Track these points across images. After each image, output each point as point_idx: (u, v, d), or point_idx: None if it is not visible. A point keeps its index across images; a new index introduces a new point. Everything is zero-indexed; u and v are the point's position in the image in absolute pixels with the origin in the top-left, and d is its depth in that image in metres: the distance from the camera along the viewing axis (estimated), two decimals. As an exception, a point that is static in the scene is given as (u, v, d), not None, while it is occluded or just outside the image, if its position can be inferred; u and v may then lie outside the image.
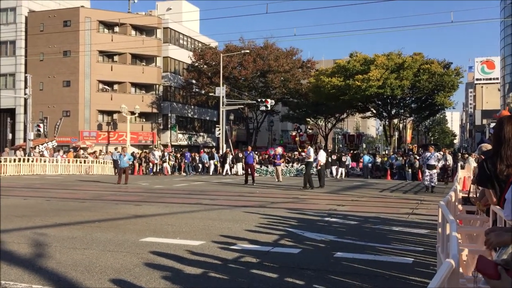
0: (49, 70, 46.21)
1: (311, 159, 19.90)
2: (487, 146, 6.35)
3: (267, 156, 33.76)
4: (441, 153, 24.52)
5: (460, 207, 6.44)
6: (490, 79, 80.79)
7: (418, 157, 28.56)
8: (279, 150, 30.44)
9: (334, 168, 30.13)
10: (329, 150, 42.11)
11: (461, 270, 3.37)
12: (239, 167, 30.97)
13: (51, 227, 8.95)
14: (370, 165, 31.47)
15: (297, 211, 11.63)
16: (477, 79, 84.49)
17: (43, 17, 47.22)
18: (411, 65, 40.56)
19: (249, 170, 21.92)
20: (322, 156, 20.55)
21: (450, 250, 2.80)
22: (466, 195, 6.50)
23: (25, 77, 41.33)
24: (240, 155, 30.62)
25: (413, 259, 6.49)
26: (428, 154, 18.87)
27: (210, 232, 8.44)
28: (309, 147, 21.16)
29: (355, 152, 40.88)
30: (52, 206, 12.53)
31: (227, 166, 31.97)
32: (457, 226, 3.64)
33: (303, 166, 32.45)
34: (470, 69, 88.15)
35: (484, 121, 67.37)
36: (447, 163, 24.44)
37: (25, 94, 38.75)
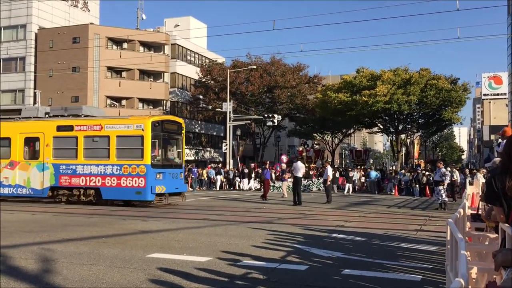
0: (58, 86, 46.65)
1: (327, 177, 20.07)
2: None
3: (273, 171, 33.70)
4: (448, 169, 24.36)
5: (468, 224, 6.39)
6: (498, 94, 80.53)
7: (426, 173, 28.40)
8: (283, 165, 30.40)
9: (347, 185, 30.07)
10: (336, 166, 42.02)
11: (470, 288, 3.33)
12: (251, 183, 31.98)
13: (58, 243, 8.96)
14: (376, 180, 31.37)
15: (304, 227, 11.58)
16: (484, 95, 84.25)
17: (52, 34, 47.84)
18: (418, 80, 40.53)
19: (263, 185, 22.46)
20: (330, 172, 20.49)
21: (459, 269, 2.78)
22: (475, 212, 6.46)
23: (34, 93, 41.73)
24: (259, 170, 31.08)
25: (421, 277, 6.42)
26: (437, 170, 18.81)
27: (216, 248, 8.41)
28: (328, 166, 21.19)
29: (362, 167, 40.76)
30: (59, 222, 12.56)
31: (250, 182, 32.59)
32: (465, 244, 3.61)
33: (310, 182, 32.51)
34: (478, 84, 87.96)
35: (492, 137, 67.01)
36: (453, 179, 24.25)
37: (34, 109, 39.05)
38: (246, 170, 33.64)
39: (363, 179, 33.08)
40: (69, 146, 17.79)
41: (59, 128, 18.00)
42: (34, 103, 40.40)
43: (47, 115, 19.39)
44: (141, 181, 16.50)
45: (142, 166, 16.54)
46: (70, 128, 17.84)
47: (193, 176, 32.26)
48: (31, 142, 18.59)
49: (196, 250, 8.29)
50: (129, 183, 16.68)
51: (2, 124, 18.87)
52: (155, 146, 16.97)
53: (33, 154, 18.51)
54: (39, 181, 18.04)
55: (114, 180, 16.92)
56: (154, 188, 16.45)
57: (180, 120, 19.07)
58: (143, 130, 16.67)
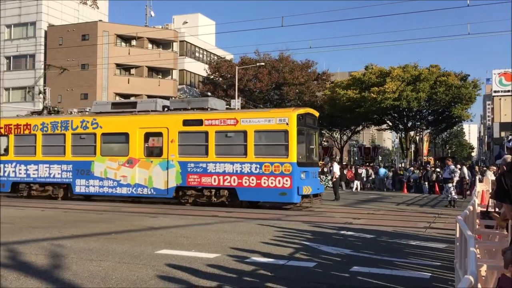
0: (68, 83, 46.90)
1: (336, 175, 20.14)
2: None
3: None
4: (458, 166, 24.17)
5: (478, 221, 6.35)
6: (508, 91, 79.75)
7: (437, 170, 28.23)
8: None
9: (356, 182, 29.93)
10: (344, 163, 41.89)
11: (480, 286, 3.32)
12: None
13: (68, 239, 9.03)
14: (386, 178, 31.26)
15: (313, 224, 11.57)
16: (494, 91, 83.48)
17: (62, 31, 48.09)
18: (428, 77, 40.25)
19: None
20: (336, 169, 20.45)
21: (468, 266, 2.77)
22: (485, 209, 6.41)
23: (44, 90, 42.03)
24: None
25: (430, 274, 6.40)
26: (446, 167, 18.71)
27: (225, 245, 8.43)
28: (335, 162, 21.21)
29: (371, 164, 40.62)
30: (69, 218, 12.65)
31: None
32: (475, 242, 3.59)
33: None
34: (488, 81, 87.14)
35: (503, 134, 66.42)
36: (462, 176, 24.08)
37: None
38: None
39: (373, 175, 32.98)
40: (198, 142, 16.24)
41: (186, 123, 16.31)
42: (44, 100, 40.70)
43: (166, 109, 17.71)
44: (286, 181, 14.76)
45: (287, 164, 14.79)
46: (199, 122, 16.14)
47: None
48: (152, 138, 16.91)
49: (205, 246, 8.32)
50: (272, 183, 14.94)
51: (117, 119, 17.56)
52: (300, 142, 15.29)
53: (155, 151, 16.82)
54: (162, 181, 16.40)
55: (253, 179, 15.20)
56: (301, 189, 14.78)
57: (316, 113, 17.32)
58: (287, 124, 14.94)
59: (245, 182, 15.34)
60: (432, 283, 5.95)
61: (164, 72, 51.70)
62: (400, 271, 6.62)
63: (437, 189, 26.17)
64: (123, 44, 49.65)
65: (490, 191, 9.31)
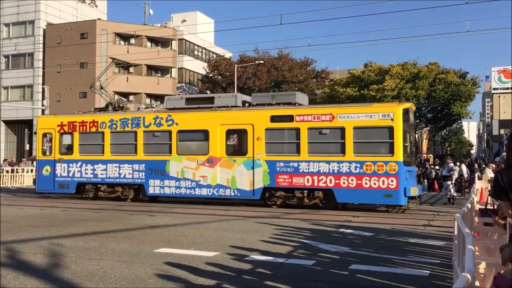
0: (66, 81, 46.87)
1: None
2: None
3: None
4: (457, 163, 24.20)
5: (477, 219, 6.35)
6: (508, 88, 79.75)
7: (436, 167, 28.23)
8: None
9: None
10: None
11: (478, 283, 3.32)
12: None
13: (67, 238, 9.03)
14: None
15: (312, 222, 11.57)
16: (494, 89, 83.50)
17: (60, 30, 48.03)
18: (427, 75, 40.27)
19: None
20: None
21: (465, 263, 2.77)
22: (484, 207, 6.42)
23: (43, 89, 41.99)
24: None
25: (429, 272, 6.40)
26: (445, 165, 18.74)
27: (224, 243, 8.43)
28: None
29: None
30: (68, 216, 12.65)
31: None
32: (473, 239, 3.59)
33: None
34: (487, 78, 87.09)
35: (502, 131, 66.43)
36: (460, 174, 24.09)
37: (42, 105, 39.34)
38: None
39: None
40: (287, 139, 15.22)
41: (275, 119, 15.12)
42: (43, 98, 40.65)
43: (247, 104, 16.68)
44: (392, 181, 13.64)
45: (392, 164, 13.68)
46: (289, 118, 14.97)
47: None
48: (235, 135, 15.74)
49: (204, 245, 8.32)
50: (374, 183, 13.80)
51: (196, 115, 16.30)
52: (404, 138, 14.11)
53: (239, 149, 15.67)
54: (247, 181, 15.21)
55: (352, 180, 14.07)
56: (408, 190, 13.75)
57: (414, 107, 15.99)
58: (392, 120, 13.80)
59: (344, 183, 14.19)
60: (430, 281, 5.96)
61: (163, 71, 51.66)
62: (399, 268, 6.62)
63: (436, 186, 26.19)
64: (121, 42, 49.61)
65: (489, 188, 9.32)
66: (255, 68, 46.31)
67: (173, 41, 51.57)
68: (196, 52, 54.78)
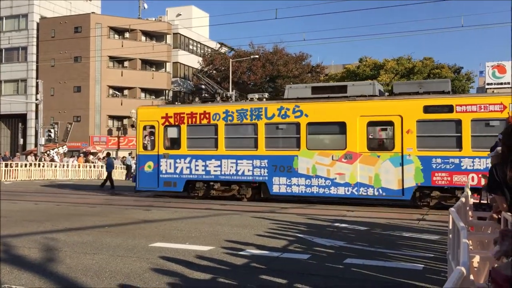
0: (60, 75, 46.62)
1: None
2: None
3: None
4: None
5: (471, 213, 6.39)
6: (502, 83, 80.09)
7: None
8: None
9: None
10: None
11: (472, 277, 3.34)
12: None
13: (62, 232, 9.00)
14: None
15: (307, 217, 11.60)
16: (488, 84, 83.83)
17: (54, 24, 47.72)
18: (421, 69, 40.41)
19: None
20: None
21: (460, 257, 2.78)
22: (478, 201, 6.46)
23: (37, 83, 41.77)
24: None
25: (423, 266, 6.44)
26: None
27: (219, 238, 8.44)
28: None
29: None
30: (62, 211, 12.62)
31: None
32: (467, 233, 3.61)
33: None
34: (481, 73, 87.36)
35: (495, 126, 66.56)
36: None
37: (36, 99, 39.15)
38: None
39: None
40: (445, 132, 13.46)
41: (429, 109, 13.41)
42: (37, 93, 40.44)
43: (387, 94, 15.02)
44: None
45: None
46: (447, 108, 13.25)
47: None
48: (379, 128, 14.42)
49: (199, 239, 8.32)
50: None
51: (329, 106, 14.62)
52: None
53: (384, 144, 14.28)
54: (395, 179, 13.60)
55: None
56: None
57: None
58: None
59: None
60: (425, 274, 5.99)
61: (157, 65, 51.48)
62: (393, 262, 6.66)
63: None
64: (116, 36, 49.37)
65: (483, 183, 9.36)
66: (250, 63, 46.25)
67: (167, 35, 51.38)
68: (191, 47, 54.63)
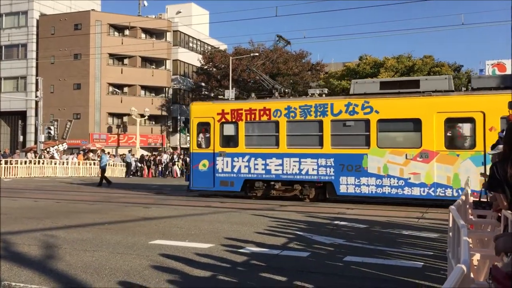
0: (60, 73, 46.57)
1: None
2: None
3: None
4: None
5: (470, 211, 6.39)
6: (501, 82, 79.94)
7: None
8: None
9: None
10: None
11: (472, 275, 3.34)
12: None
13: (61, 229, 9.00)
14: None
15: (306, 214, 11.61)
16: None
17: (54, 21, 47.65)
18: (421, 68, 40.37)
19: None
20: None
21: (461, 255, 2.78)
22: (477, 199, 6.45)
23: (36, 80, 41.73)
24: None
25: (423, 263, 6.44)
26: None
27: (219, 235, 8.45)
28: None
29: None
30: (62, 208, 12.62)
31: None
32: (468, 231, 3.61)
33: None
34: (481, 72, 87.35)
35: (495, 124, 66.53)
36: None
37: (36, 96, 39.12)
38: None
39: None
40: None
41: None
42: (36, 90, 40.41)
43: (464, 89, 14.54)
44: None
45: None
46: None
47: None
48: (458, 125, 13.59)
49: (198, 236, 8.32)
50: None
51: (403, 102, 13.83)
52: None
53: (463, 142, 13.47)
54: (477, 179, 12.43)
55: None
56: None
57: None
58: None
59: None
60: (424, 272, 6.00)
61: (157, 62, 51.43)
62: (393, 260, 6.66)
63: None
64: (116, 33, 49.31)
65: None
66: (250, 61, 46.21)
67: (167, 33, 51.33)
68: (191, 44, 54.58)
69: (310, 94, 15.65)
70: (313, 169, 14.55)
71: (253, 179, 15.31)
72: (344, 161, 14.15)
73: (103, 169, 22.52)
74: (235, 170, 15.38)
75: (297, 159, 14.69)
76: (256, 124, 15.41)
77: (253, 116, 15.32)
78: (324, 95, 15.55)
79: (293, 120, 14.86)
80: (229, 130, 15.72)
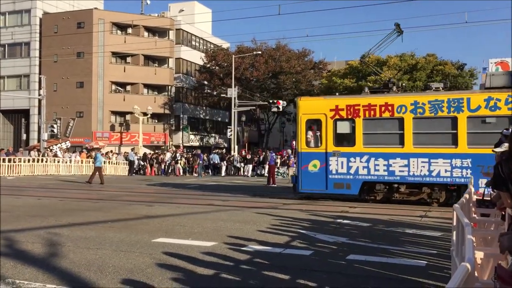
0: (63, 71, 46.63)
1: None
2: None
3: (279, 157, 33.80)
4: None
5: (474, 209, 6.38)
6: (505, 80, 79.69)
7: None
8: (289, 151, 30.44)
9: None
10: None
11: (476, 273, 3.33)
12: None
13: (65, 227, 9.02)
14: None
15: (309, 213, 11.60)
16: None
17: (57, 19, 47.69)
18: (424, 66, 40.25)
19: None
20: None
21: (465, 253, 2.78)
22: (481, 198, 6.44)
23: (39, 78, 41.79)
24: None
25: (426, 262, 6.43)
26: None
27: (221, 233, 8.45)
28: None
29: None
30: (65, 206, 12.64)
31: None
32: (472, 229, 3.60)
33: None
34: (484, 70, 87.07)
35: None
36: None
37: (39, 95, 39.18)
38: (248, 156, 33.79)
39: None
40: None
41: None
42: (39, 88, 40.48)
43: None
44: None
45: None
46: None
47: (200, 162, 32.37)
48: None
49: (202, 235, 8.33)
50: None
51: None
52: None
53: None
54: None
55: None
56: None
57: None
58: None
59: None
60: (427, 271, 5.99)
61: (160, 61, 51.43)
62: (396, 259, 6.65)
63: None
64: (118, 32, 49.33)
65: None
66: (253, 59, 46.18)
67: (170, 31, 51.32)
68: (193, 43, 54.56)
69: (434, 88, 14.40)
70: (445, 171, 13.20)
71: (372, 181, 14.01)
72: (484, 161, 12.34)
73: (97, 168, 22.53)
74: (352, 171, 14.06)
75: (426, 160, 13.37)
76: (376, 121, 14.04)
77: (372, 112, 13.95)
78: (440, 88, 14.35)
79: (421, 117, 13.47)
80: (344, 127, 14.47)
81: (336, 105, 14.39)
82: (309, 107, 14.94)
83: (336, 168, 14.22)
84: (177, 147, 44.54)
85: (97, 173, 22.09)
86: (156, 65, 51.34)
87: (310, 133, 14.74)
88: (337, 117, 14.34)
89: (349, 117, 14.19)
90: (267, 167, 29.03)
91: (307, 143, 14.75)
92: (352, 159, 14.07)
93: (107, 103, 47.04)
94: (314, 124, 14.74)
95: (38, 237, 7.95)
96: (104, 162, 34.35)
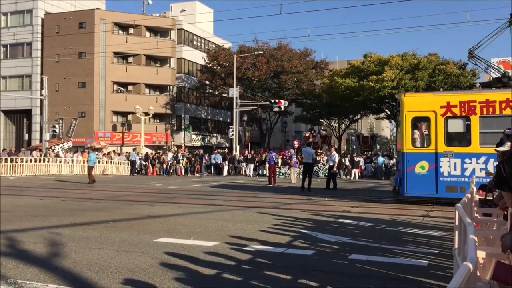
0: (65, 71, 46.69)
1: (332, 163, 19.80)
2: None
3: (281, 156, 33.79)
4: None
5: (476, 209, 6.37)
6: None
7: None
8: (292, 150, 30.41)
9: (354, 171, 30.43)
10: (342, 152, 41.97)
11: (478, 273, 3.33)
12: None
13: (67, 227, 9.03)
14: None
15: (311, 213, 11.59)
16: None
17: (59, 19, 47.75)
18: (426, 65, 40.18)
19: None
20: (336, 158, 20.45)
21: (467, 253, 2.77)
22: (483, 197, 6.43)
23: (41, 79, 41.84)
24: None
25: (428, 262, 6.42)
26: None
27: (223, 233, 8.45)
28: (334, 151, 20.91)
29: (368, 153, 40.75)
30: (67, 206, 12.66)
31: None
32: (474, 229, 3.59)
33: (316, 167, 32.52)
34: (487, 69, 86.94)
35: (501, 122, 66.27)
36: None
37: (41, 95, 39.22)
38: (249, 156, 33.79)
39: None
40: None
41: None
42: (41, 88, 40.53)
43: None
44: None
45: None
46: None
47: (204, 161, 32.39)
48: None
49: (203, 234, 8.33)
50: None
51: None
52: None
53: None
54: None
55: None
56: None
57: None
58: None
59: None
60: (429, 271, 5.98)
61: (162, 61, 51.47)
62: (398, 258, 6.64)
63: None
64: (120, 32, 49.38)
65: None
66: (255, 59, 46.17)
67: (172, 31, 51.35)
68: (195, 42, 54.58)
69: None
70: None
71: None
72: None
73: (90, 167, 22.58)
74: (467, 173, 12.91)
75: None
76: (496, 118, 12.81)
77: (491, 109, 12.82)
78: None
79: None
80: (457, 126, 13.43)
81: (448, 102, 13.28)
82: (416, 103, 13.86)
83: (449, 170, 13.16)
84: (179, 147, 44.55)
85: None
86: (157, 65, 51.38)
87: (416, 132, 13.70)
88: (448, 114, 13.27)
89: (464, 114, 13.11)
90: (267, 167, 29.01)
91: (413, 143, 13.65)
92: (467, 160, 12.99)
93: (109, 103, 47.09)
94: (421, 122, 13.76)
95: (40, 237, 7.96)
96: (106, 162, 34.43)
